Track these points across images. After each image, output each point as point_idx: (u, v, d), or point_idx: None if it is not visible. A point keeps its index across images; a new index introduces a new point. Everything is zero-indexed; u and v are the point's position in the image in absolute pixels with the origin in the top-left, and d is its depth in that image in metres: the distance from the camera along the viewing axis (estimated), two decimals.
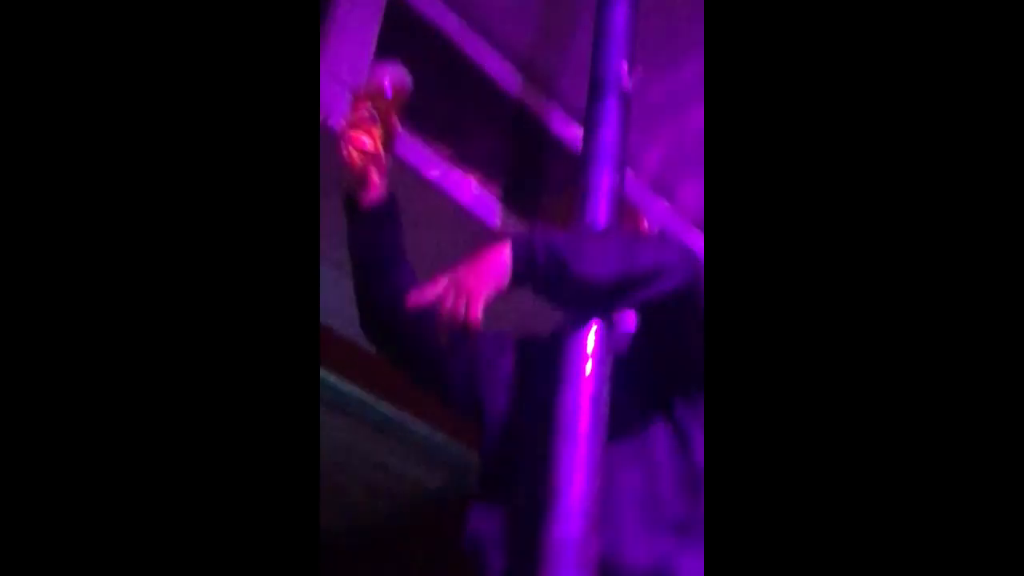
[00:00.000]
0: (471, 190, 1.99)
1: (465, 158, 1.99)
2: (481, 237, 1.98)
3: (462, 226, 1.99)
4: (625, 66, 1.42)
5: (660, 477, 1.22)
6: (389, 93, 1.31)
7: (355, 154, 1.27)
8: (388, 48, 1.87)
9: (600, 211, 1.30)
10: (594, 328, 1.19)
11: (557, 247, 1.15)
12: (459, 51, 2.07)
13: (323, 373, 2.33)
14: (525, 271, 1.15)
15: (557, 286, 1.16)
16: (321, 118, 1.72)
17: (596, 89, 1.41)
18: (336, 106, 1.74)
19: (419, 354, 1.36)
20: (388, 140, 1.30)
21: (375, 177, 1.30)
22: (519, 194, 2.07)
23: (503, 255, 1.15)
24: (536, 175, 2.12)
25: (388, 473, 3.14)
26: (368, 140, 1.28)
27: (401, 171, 1.84)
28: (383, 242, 1.34)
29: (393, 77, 1.32)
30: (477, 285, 1.12)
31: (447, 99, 2.00)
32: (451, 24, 2.06)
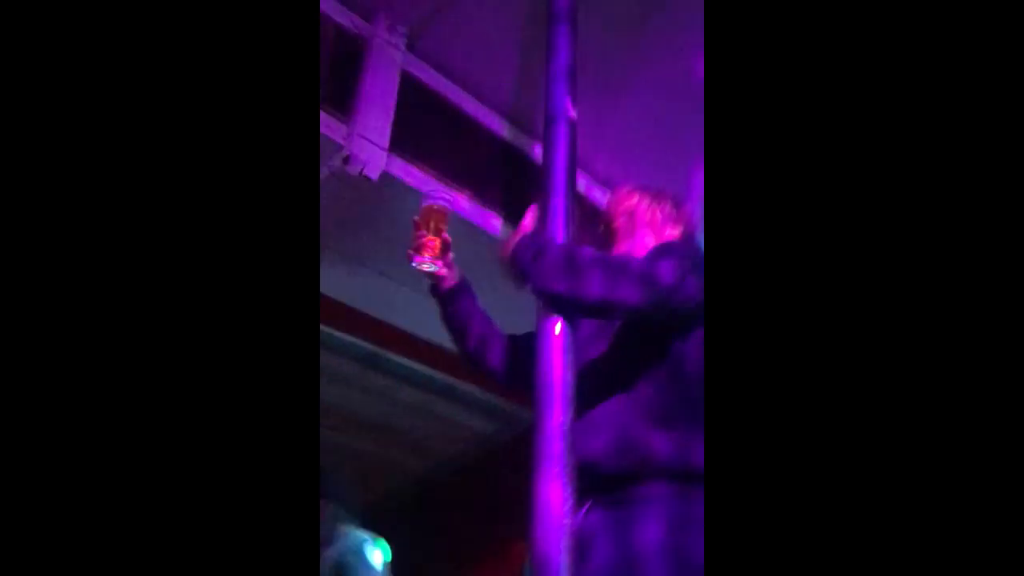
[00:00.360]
0: (481, 215, 2.48)
1: (469, 188, 2.46)
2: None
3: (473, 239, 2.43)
4: (569, 101, 1.69)
5: (649, 389, 1.40)
6: (439, 213, 1.66)
7: (425, 266, 1.66)
8: (403, 111, 2.36)
9: (558, 207, 1.53)
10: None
11: (522, 257, 1.42)
12: (458, 111, 2.57)
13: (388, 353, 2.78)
14: (509, 266, 1.46)
15: (523, 285, 1.44)
16: (357, 170, 2.24)
17: (549, 119, 1.66)
18: (369, 160, 2.26)
19: (512, 378, 1.71)
20: (444, 247, 1.67)
21: (443, 272, 1.68)
22: (513, 212, 2.51)
23: (508, 247, 1.48)
24: (524, 195, 2.54)
25: (441, 421, 3.42)
26: (429, 255, 1.65)
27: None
28: (464, 309, 1.72)
29: (438, 202, 1.67)
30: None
31: (451, 147, 2.47)
32: (450, 89, 2.55)
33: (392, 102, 2.35)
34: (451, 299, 1.71)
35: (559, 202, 1.56)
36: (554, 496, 1.23)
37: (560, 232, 1.50)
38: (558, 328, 1.40)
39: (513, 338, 1.72)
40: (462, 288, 1.72)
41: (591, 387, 1.39)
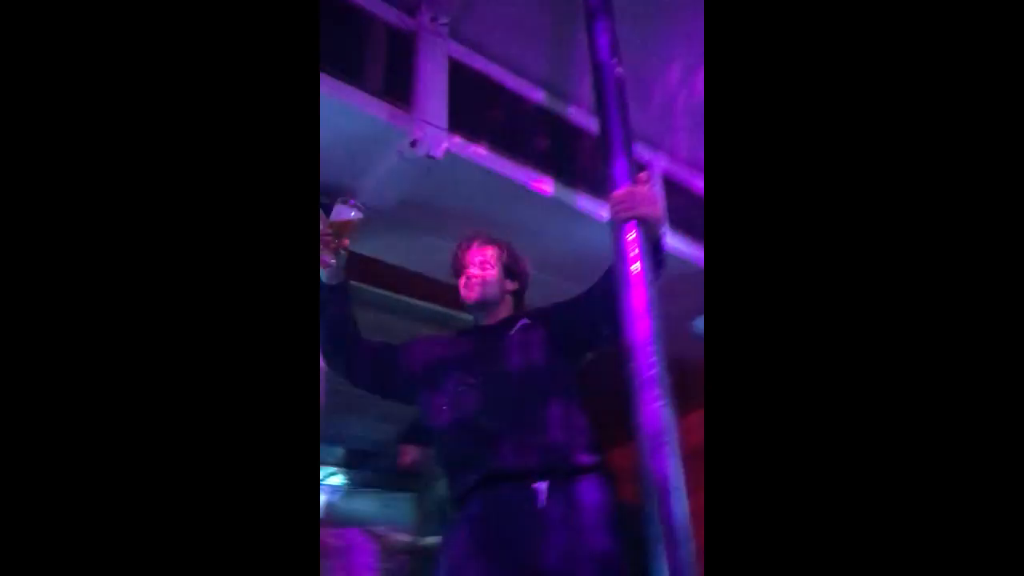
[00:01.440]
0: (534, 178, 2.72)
1: (519, 153, 2.71)
2: None
3: None
4: (616, 60, 1.71)
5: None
6: (344, 224, 1.73)
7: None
8: (455, 92, 2.60)
9: (619, 159, 1.62)
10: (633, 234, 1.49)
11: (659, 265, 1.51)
12: (501, 86, 2.80)
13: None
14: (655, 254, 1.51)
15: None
16: (423, 152, 2.48)
17: (598, 69, 1.69)
18: (432, 141, 2.48)
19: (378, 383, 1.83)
20: (342, 250, 1.74)
21: (327, 262, 1.73)
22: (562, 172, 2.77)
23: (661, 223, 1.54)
24: (567, 154, 2.82)
25: None
26: (327, 253, 1.73)
27: None
28: (336, 306, 1.76)
29: (343, 215, 1.73)
30: (652, 205, 1.51)
31: (499, 119, 2.72)
32: (491, 68, 2.77)
33: (444, 86, 2.58)
34: (328, 290, 1.78)
35: (618, 149, 1.65)
36: None
37: (623, 180, 1.59)
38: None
39: (371, 345, 1.83)
40: (341, 285, 1.79)
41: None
